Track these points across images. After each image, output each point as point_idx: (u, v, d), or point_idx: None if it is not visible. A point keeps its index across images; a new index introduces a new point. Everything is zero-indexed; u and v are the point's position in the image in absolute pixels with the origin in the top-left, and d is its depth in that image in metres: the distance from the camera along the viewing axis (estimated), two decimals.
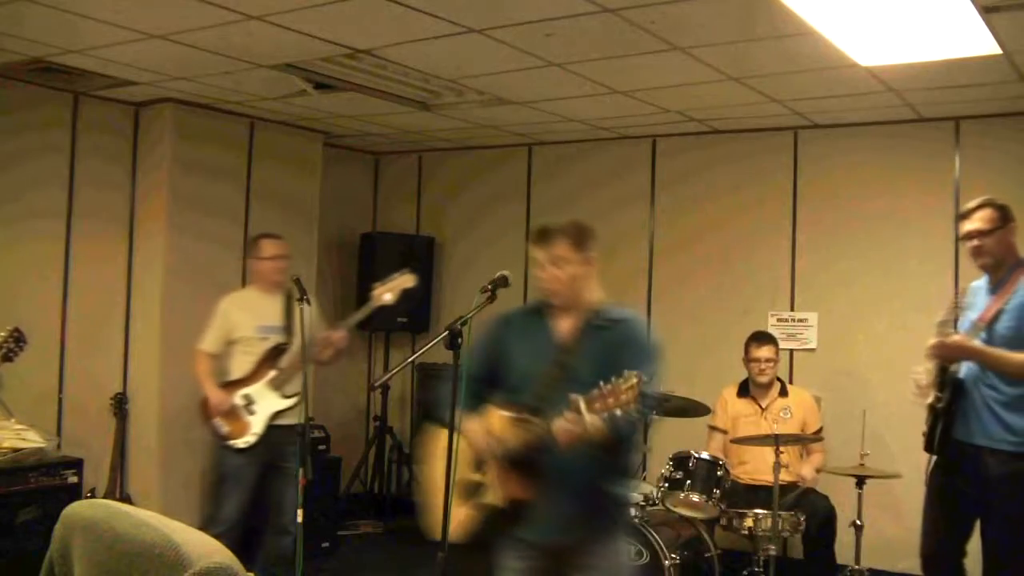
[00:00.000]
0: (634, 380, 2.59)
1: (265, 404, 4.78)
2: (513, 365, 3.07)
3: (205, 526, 4.71)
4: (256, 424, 4.75)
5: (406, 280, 4.53)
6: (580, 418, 2.66)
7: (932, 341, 3.66)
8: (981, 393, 3.68)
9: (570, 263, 3.02)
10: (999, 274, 3.79)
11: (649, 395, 2.85)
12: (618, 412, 2.64)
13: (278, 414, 4.76)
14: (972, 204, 3.81)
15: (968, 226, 3.78)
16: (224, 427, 4.76)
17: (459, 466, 3.13)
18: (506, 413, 2.93)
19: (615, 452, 2.94)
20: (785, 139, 6.15)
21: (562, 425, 2.69)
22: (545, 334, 3.08)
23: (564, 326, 3.07)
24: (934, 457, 3.91)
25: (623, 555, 3.09)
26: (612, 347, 2.95)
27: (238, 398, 4.78)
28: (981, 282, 3.94)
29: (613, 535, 3.05)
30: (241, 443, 4.74)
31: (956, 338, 3.68)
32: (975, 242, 3.76)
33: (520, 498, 2.93)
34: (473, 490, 3.00)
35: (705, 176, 6.43)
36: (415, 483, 6.36)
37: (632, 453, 3.09)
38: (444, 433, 3.23)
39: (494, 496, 2.87)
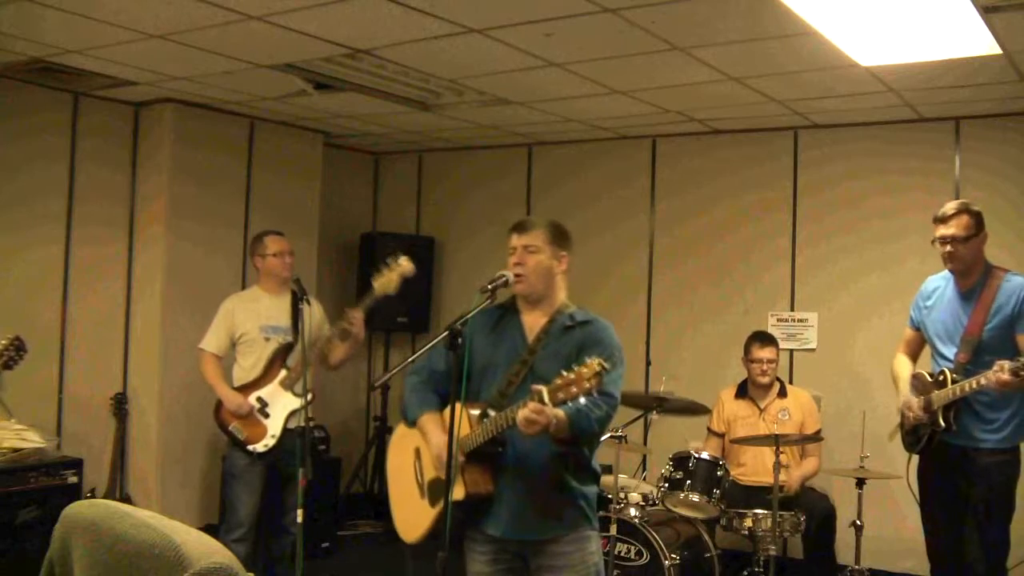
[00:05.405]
0: (597, 367, 2.59)
1: (279, 405, 4.73)
2: (478, 362, 3.06)
3: (223, 533, 4.70)
4: (273, 426, 4.71)
5: (404, 268, 4.48)
6: (543, 408, 2.66)
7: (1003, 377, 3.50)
8: (967, 397, 3.75)
9: (540, 253, 3.04)
10: (970, 279, 3.88)
11: (610, 391, 2.86)
12: (582, 401, 2.66)
13: (292, 414, 4.70)
14: (950, 209, 3.87)
15: (944, 231, 3.84)
16: (242, 432, 4.72)
17: (424, 466, 3.14)
18: (469, 409, 2.93)
19: (576, 447, 2.94)
20: (785, 139, 6.15)
21: (525, 415, 2.69)
22: (511, 332, 3.08)
23: (531, 324, 3.08)
24: (915, 457, 4.06)
25: (597, 555, 3.07)
26: (577, 348, 2.95)
27: (252, 401, 4.73)
28: (940, 280, 4.04)
29: (584, 533, 3.02)
30: (261, 447, 4.70)
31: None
32: (950, 248, 3.83)
33: (481, 492, 2.93)
34: (437, 487, 2.99)
35: (705, 176, 6.43)
36: None
37: (594, 450, 3.08)
38: (405, 433, 3.23)
39: (458, 492, 2.86)
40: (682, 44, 4.35)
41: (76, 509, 1.81)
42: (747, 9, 3.85)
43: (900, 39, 4.21)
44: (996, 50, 4.22)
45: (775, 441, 4.61)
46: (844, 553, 5.17)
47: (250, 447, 4.71)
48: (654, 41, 4.27)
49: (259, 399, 4.74)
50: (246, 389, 4.77)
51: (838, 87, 5.04)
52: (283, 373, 4.77)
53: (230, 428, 4.73)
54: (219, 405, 4.78)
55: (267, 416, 4.73)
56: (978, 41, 4.11)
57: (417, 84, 5.26)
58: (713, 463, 4.84)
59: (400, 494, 3.27)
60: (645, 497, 4.86)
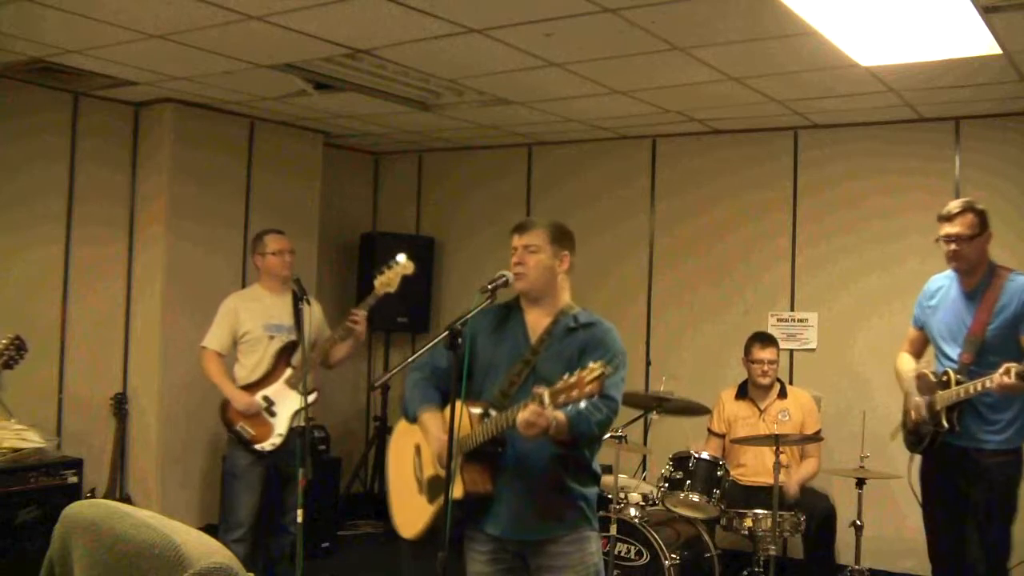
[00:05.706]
0: (598, 371, 2.59)
1: (285, 404, 4.72)
2: (480, 361, 3.07)
3: (223, 533, 4.70)
4: (280, 425, 4.71)
5: (405, 268, 4.50)
6: (543, 410, 2.66)
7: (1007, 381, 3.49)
8: (971, 398, 3.74)
9: (541, 252, 3.05)
10: (973, 279, 3.87)
11: (611, 394, 2.87)
12: (582, 404, 2.66)
13: (297, 413, 4.68)
14: (954, 208, 3.85)
15: (949, 229, 3.82)
16: (249, 431, 4.71)
17: (424, 462, 3.14)
18: (470, 408, 2.93)
19: (575, 448, 2.95)
20: (785, 139, 6.15)
21: (525, 416, 2.69)
22: (514, 331, 3.09)
23: (533, 324, 3.08)
24: (917, 457, 4.06)
25: (596, 555, 3.07)
26: (580, 350, 2.96)
27: (259, 400, 4.72)
28: (944, 280, 4.03)
29: (584, 533, 3.03)
30: (268, 446, 4.69)
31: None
32: (954, 247, 3.82)
33: (480, 491, 2.93)
34: (436, 485, 2.99)
35: (705, 176, 6.43)
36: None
37: (594, 452, 3.08)
38: (406, 429, 3.23)
39: (456, 491, 2.86)
40: (682, 44, 4.34)
41: (76, 509, 1.81)
42: (747, 9, 3.85)
43: (900, 39, 4.20)
44: (996, 50, 4.22)
45: (775, 441, 4.62)
46: (844, 553, 5.17)
47: (256, 446, 4.69)
48: (654, 41, 4.27)
49: (265, 398, 4.74)
50: (252, 388, 4.76)
51: (838, 87, 5.04)
52: (288, 372, 4.76)
53: (237, 427, 4.72)
54: (226, 404, 4.76)
55: (273, 415, 4.72)
56: (978, 41, 4.11)
57: (417, 84, 5.26)
58: (713, 463, 4.84)
59: (399, 490, 3.28)
60: (645, 497, 4.86)
